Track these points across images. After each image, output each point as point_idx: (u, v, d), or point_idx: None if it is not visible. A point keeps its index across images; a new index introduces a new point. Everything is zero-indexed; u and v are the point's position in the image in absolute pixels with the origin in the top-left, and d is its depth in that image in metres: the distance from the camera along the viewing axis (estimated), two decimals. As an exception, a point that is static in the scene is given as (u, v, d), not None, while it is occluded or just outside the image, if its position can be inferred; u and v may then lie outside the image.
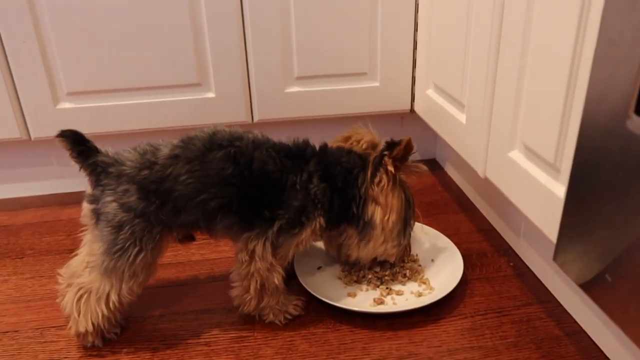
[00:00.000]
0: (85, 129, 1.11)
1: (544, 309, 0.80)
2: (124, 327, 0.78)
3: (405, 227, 0.80)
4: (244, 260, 0.73)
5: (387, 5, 1.10)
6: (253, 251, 0.72)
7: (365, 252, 0.80)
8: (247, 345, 0.74)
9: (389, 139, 0.76)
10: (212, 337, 0.76)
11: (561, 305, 0.80)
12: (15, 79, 1.07)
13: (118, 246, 0.68)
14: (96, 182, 0.70)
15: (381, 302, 0.80)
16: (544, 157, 0.67)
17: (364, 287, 0.84)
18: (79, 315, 0.71)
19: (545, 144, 0.66)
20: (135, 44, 1.07)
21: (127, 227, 0.67)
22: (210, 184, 0.69)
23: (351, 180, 0.76)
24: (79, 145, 0.70)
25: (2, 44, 1.04)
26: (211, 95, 1.13)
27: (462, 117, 0.93)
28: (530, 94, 0.69)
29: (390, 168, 0.74)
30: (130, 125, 1.13)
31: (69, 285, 0.73)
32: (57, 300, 0.75)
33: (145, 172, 0.68)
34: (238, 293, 0.77)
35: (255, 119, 1.16)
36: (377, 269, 0.86)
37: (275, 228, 0.71)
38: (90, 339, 0.74)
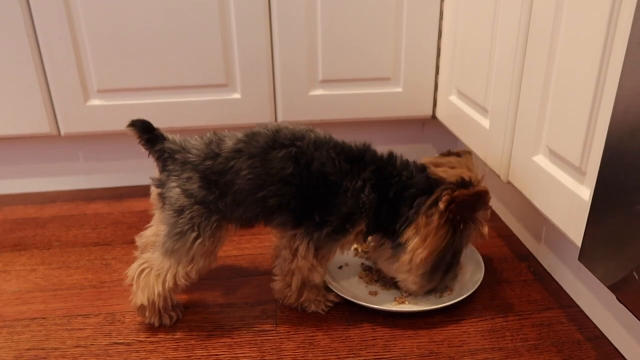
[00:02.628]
0: (113, 126, 1.15)
1: (564, 313, 0.80)
2: (180, 316, 0.80)
3: (433, 271, 0.76)
4: (287, 257, 0.76)
5: (412, 11, 1.12)
6: (296, 249, 0.74)
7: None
8: (269, 339, 0.76)
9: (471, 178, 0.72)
10: (235, 330, 0.77)
11: (582, 310, 0.80)
12: (47, 75, 1.10)
13: (178, 229, 0.71)
14: (163, 167, 0.74)
15: (402, 302, 0.81)
16: (570, 161, 0.68)
17: (386, 286, 0.85)
18: (137, 289, 0.74)
19: (571, 147, 0.67)
20: (165, 45, 1.09)
21: (187, 212, 0.70)
22: (270, 182, 0.71)
23: (405, 198, 0.73)
24: (147, 132, 0.74)
25: (36, 40, 1.07)
26: (237, 96, 1.15)
27: (485, 123, 0.94)
28: (557, 98, 0.70)
29: (442, 206, 0.69)
30: (157, 124, 1.13)
31: (137, 259, 0.77)
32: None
33: (209, 162, 0.71)
34: (280, 287, 0.79)
35: (279, 120, 1.18)
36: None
37: (322, 233, 0.73)
38: (147, 314, 0.76)
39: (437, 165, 0.77)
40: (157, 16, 1.07)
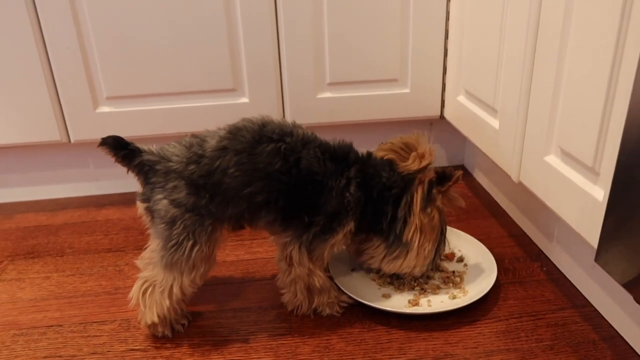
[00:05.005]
0: (123, 133, 1.14)
1: (579, 313, 0.80)
2: (190, 319, 0.80)
3: (436, 252, 0.81)
4: (284, 268, 0.76)
5: (418, 13, 1.12)
6: (290, 257, 0.74)
7: (390, 266, 0.81)
8: (284, 343, 0.76)
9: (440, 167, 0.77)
10: (251, 335, 0.78)
11: (596, 310, 0.80)
12: (57, 83, 1.11)
13: (173, 241, 0.70)
14: (145, 181, 0.72)
15: (416, 304, 0.81)
16: (582, 161, 0.68)
17: (400, 288, 0.85)
18: (145, 308, 0.74)
19: (584, 147, 0.67)
20: (173, 51, 1.10)
21: (179, 222, 0.69)
22: (258, 177, 0.70)
23: (387, 197, 0.76)
24: (120, 149, 0.72)
25: (45, 49, 1.08)
26: (245, 100, 1.16)
27: (494, 123, 0.94)
28: (568, 97, 0.70)
29: (439, 203, 0.77)
30: (166, 129, 1.16)
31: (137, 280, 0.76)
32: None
33: (192, 166, 0.69)
34: (289, 299, 0.80)
35: (287, 124, 1.18)
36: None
37: (310, 234, 0.73)
38: (159, 329, 0.76)
39: (396, 155, 0.78)
40: (164, 22, 1.08)
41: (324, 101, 1.17)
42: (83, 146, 1.22)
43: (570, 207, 0.71)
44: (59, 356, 0.75)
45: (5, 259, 1.01)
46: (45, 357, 0.75)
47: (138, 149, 0.72)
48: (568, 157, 0.72)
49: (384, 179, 0.76)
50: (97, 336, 0.79)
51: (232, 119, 1.18)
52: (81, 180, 1.27)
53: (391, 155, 0.78)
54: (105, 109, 1.14)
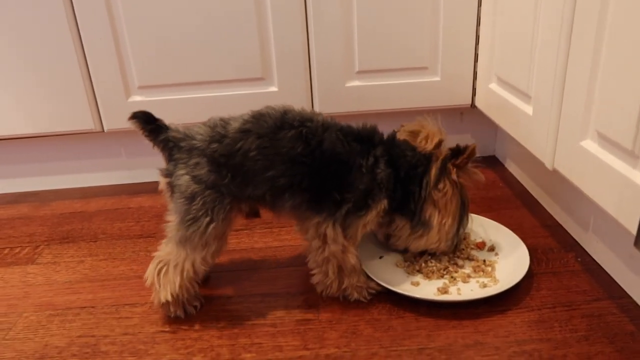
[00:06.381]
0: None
1: (615, 304, 0.77)
2: (203, 302, 0.81)
3: (459, 227, 0.82)
4: (317, 246, 0.76)
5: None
6: (325, 235, 0.74)
7: (415, 245, 0.83)
8: (312, 327, 0.76)
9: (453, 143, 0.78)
10: (278, 319, 0.78)
11: (634, 302, 0.77)
12: (91, 73, 1.13)
13: (190, 216, 0.71)
14: (169, 157, 0.74)
15: (445, 292, 0.79)
16: (621, 144, 0.65)
17: (429, 276, 0.83)
18: (159, 287, 0.75)
19: (623, 130, 0.65)
20: (203, 41, 1.11)
21: (198, 198, 0.70)
22: (280, 161, 0.71)
23: (414, 175, 0.77)
24: (149, 123, 0.74)
25: (80, 40, 1.10)
26: (274, 89, 1.16)
27: (528, 109, 0.91)
28: (606, 79, 0.68)
29: (454, 177, 0.77)
30: (196, 117, 1.15)
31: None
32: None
33: (215, 145, 0.71)
34: (319, 279, 0.80)
35: (316, 113, 1.18)
36: (446, 261, 0.86)
37: (343, 211, 0.73)
38: (172, 309, 0.77)
39: (420, 142, 0.79)
40: (194, 12, 1.09)
41: (353, 89, 1.16)
42: (116, 135, 1.25)
43: (607, 193, 0.69)
44: (92, 336, 0.77)
45: (42, 243, 1.04)
46: (79, 336, 0.77)
47: (165, 125, 0.75)
48: (605, 140, 0.69)
49: (410, 158, 0.77)
50: (128, 318, 0.80)
51: (261, 107, 1.19)
52: (114, 169, 1.30)
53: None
54: (137, 98, 1.16)
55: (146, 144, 1.27)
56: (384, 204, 0.75)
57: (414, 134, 0.80)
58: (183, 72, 1.14)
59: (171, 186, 0.74)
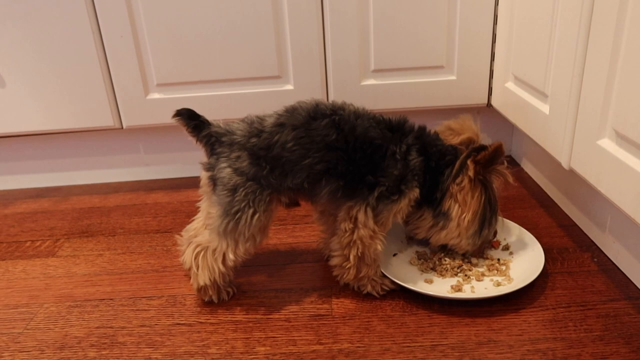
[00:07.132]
0: (172, 118, 1.19)
1: (632, 305, 0.76)
2: (236, 291, 0.84)
3: (481, 228, 0.81)
4: (347, 228, 0.76)
5: (466, -2, 1.10)
6: (356, 218, 0.75)
7: (435, 237, 0.83)
8: (325, 323, 0.76)
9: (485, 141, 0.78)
10: (292, 314, 0.79)
11: (652, 302, 0.76)
12: (111, 71, 1.15)
13: (235, 208, 0.73)
14: (211, 152, 0.76)
15: (459, 289, 0.79)
16: (639, 143, 0.65)
17: (442, 274, 0.84)
18: (197, 270, 0.77)
19: (641, 129, 0.64)
20: (220, 39, 1.12)
21: (240, 189, 0.73)
22: (316, 149, 0.73)
23: (443, 166, 0.78)
24: (193, 120, 0.77)
25: (101, 38, 1.12)
26: (290, 87, 1.17)
27: (544, 108, 0.91)
28: (625, 78, 0.67)
29: (471, 173, 0.76)
30: (213, 115, 1.16)
31: (188, 245, 0.80)
32: (180, 259, 0.85)
33: (254, 139, 0.73)
34: (338, 262, 0.80)
35: (331, 111, 1.19)
36: (458, 259, 0.86)
37: (375, 194, 0.74)
38: (209, 292, 0.80)
39: (450, 135, 0.81)
40: (211, 11, 1.10)
41: (368, 88, 1.17)
42: (134, 132, 1.27)
43: (625, 193, 0.68)
44: (110, 327, 0.78)
45: (62, 237, 1.06)
46: (97, 327, 0.78)
47: (207, 121, 0.78)
48: (623, 139, 0.69)
49: (440, 147, 0.78)
50: (145, 310, 0.82)
51: (277, 105, 1.20)
52: (132, 165, 1.32)
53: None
54: (155, 95, 1.18)
55: (164, 140, 1.29)
56: (416, 192, 0.76)
57: (452, 129, 0.81)
58: (201, 70, 1.15)
59: (213, 180, 0.76)
